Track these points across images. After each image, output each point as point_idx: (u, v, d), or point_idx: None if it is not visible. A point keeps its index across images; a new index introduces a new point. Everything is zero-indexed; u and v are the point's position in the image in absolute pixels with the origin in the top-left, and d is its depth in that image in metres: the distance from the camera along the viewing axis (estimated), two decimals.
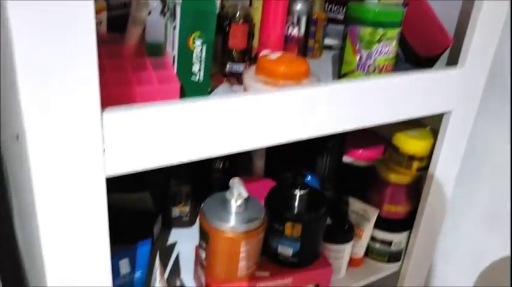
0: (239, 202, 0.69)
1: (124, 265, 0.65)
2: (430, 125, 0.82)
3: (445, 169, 0.80)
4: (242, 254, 0.69)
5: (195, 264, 0.79)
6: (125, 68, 0.57)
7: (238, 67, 0.73)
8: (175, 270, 0.84)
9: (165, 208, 0.93)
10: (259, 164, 0.96)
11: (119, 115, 0.46)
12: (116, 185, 0.93)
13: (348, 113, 0.62)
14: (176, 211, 0.94)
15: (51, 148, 0.44)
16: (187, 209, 0.94)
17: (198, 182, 0.93)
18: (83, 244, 0.50)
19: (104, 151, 0.46)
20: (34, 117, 0.42)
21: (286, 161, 0.94)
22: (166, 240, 0.92)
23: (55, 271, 0.50)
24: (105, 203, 0.49)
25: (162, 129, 0.49)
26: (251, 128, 0.55)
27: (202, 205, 0.72)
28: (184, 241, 0.91)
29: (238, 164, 0.95)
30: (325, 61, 0.86)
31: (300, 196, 0.74)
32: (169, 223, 0.94)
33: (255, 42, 0.76)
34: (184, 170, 0.92)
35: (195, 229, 0.94)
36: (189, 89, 0.59)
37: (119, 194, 0.91)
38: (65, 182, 0.46)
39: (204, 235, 0.70)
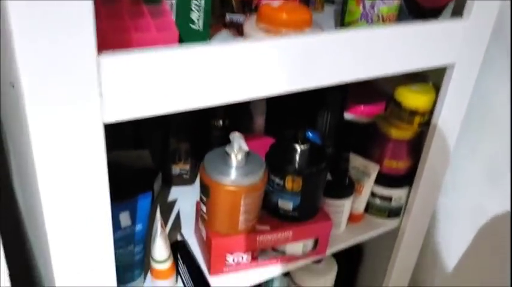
0: (240, 155, 0.68)
1: (124, 218, 0.65)
2: (433, 81, 0.81)
3: (447, 123, 0.80)
4: (243, 208, 0.69)
5: (196, 219, 0.79)
6: (121, 15, 0.55)
7: (238, 18, 0.71)
8: (176, 225, 0.84)
9: (165, 166, 0.93)
10: (260, 121, 0.96)
11: (115, 59, 0.44)
12: (115, 144, 0.93)
13: (351, 63, 0.61)
14: (176, 169, 0.93)
15: (47, 94, 0.43)
16: (187, 166, 0.93)
17: (198, 141, 0.92)
18: (83, 194, 0.50)
19: (101, 96, 0.45)
20: (29, 64, 0.41)
21: (286, 119, 0.93)
22: (167, 197, 0.92)
23: (55, 220, 0.49)
24: (104, 151, 0.48)
25: (160, 75, 0.48)
26: (251, 76, 0.54)
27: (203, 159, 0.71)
28: (185, 199, 0.91)
29: (238, 121, 0.94)
30: (328, 15, 0.84)
31: (301, 150, 0.73)
32: (169, 181, 0.94)
33: None
34: (184, 128, 0.91)
35: (195, 187, 0.94)
36: (187, 38, 0.58)
37: (118, 151, 0.91)
38: (62, 128, 0.45)
39: (204, 189, 0.70)
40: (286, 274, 1.02)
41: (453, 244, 0.99)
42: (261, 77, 0.55)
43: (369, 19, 0.65)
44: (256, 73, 0.54)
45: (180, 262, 0.74)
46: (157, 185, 0.90)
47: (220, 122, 0.93)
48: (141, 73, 0.46)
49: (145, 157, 0.90)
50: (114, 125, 0.92)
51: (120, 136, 0.95)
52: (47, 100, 0.43)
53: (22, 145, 0.51)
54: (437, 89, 0.79)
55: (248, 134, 0.92)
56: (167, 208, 0.89)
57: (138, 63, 0.46)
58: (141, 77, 0.47)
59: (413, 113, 0.79)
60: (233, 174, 0.68)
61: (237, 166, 0.68)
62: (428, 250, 1.04)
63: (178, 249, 0.76)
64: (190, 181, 0.95)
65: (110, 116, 0.46)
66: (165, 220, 0.85)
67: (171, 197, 0.92)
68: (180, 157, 0.92)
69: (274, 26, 0.59)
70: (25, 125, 0.44)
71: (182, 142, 0.92)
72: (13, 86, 0.47)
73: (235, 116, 0.94)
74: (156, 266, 0.68)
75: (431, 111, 0.80)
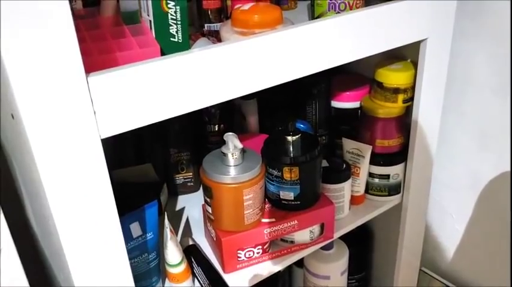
0: (236, 153, 0.72)
1: (135, 229, 0.68)
2: (411, 58, 0.84)
3: (430, 96, 0.83)
4: (246, 203, 0.72)
5: (204, 222, 0.83)
6: (104, 37, 0.59)
7: (216, 26, 0.75)
8: (187, 232, 0.88)
9: (169, 177, 0.97)
10: (253, 121, 0.99)
11: (103, 78, 0.48)
12: (118, 162, 0.97)
13: (326, 51, 0.64)
14: (180, 178, 0.97)
15: (45, 120, 0.46)
16: (190, 174, 0.97)
17: (197, 148, 0.96)
18: (91, 209, 0.53)
19: (95, 113, 0.48)
20: (25, 97, 0.44)
21: (278, 115, 0.96)
22: (175, 206, 0.95)
23: (70, 238, 0.53)
24: (105, 164, 0.51)
25: (146, 87, 0.51)
26: (232, 76, 0.57)
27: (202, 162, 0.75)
28: (193, 205, 0.95)
29: (233, 124, 0.98)
30: (301, 11, 0.88)
31: (293, 141, 0.77)
32: (175, 191, 0.98)
33: (229, 1, 0.77)
34: (182, 138, 0.95)
35: (201, 193, 0.97)
36: (169, 51, 0.61)
37: (122, 169, 0.94)
38: (64, 149, 0.48)
39: (207, 190, 0.73)
40: (301, 265, 1.05)
41: (455, 215, 1.02)
42: (241, 76, 0.58)
43: (337, 8, 0.69)
44: (236, 73, 0.57)
45: (195, 264, 0.78)
46: (163, 196, 0.93)
47: (216, 127, 0.97)
48: (129, 87, 0.50)
49: (149, 170, 0.94)
50: (115, 144, 0.96)
51: (122, 154, 0.99)
52: (46, 126, 0.46)
53: (29, 169, 0.54)
54: (416, 65, 0.82)
55: (244, 134, 0.96)
56: (176, 216, 0.92)
57: (123, 78, 0.49)
58: (129, 91, 0.50)
59: (395, 91, 0.82)
60: (232, 172, 0.71)
61: (234, 164, 0.72)
62: (432, 224, 1.07)
63: (191, 253, 0.80)
64: (195, 188, 0.98)
65: (106, 131, 0.50)
66: (175, 228, 0.88)
67: (178, 206, 0.95)
68: (182, 166, 0.96)
69: (248, 28, 0.62)
70: (30, 151, 0.48)
71: (182, 152, 0.95)
72: (13, 117, 0.51)
73: (230, 119, 0.98)
74: (171, 270, 0.71)
75: (413, 87, 0.83)
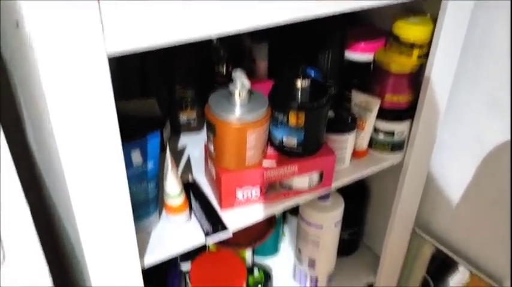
0: (243, 92, 0.71)
1: (136, 156, 0.68)
2: (430, 13, 0.82)
3: (445, 55, 0.81)
4: (249, 144, 0.72)
5: (205, 160, 0.83)
6: None
7: None
8: (187, 170, 0.88)
9: (172, 115, 0.96)
10: (263, 66, 0.97)
11: None
12: (123, 94, 0.95)
13: None
14: (183, 117, 0.96)
15: (51, 29, 0.45)
16: (194, 114, 0.96)
17: (203, 89, 0.95)
18: (93, 128, 0.52)
19: (102, 23, 0.47)
20: (31, 4, 0.43)
21: (289, 62, 0.95)
22: (177, 145, 0.95)
23: (70, 160, 0.52)
24: (110, 83, 0.50)
25: (159, 6, 0.49)
26: (250, 4, 0.55)
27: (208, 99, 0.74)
28: (194, 145, 0.95)
29: (241, 67, 0.96)
30: None
31: (302, 86, 0.75)
32: (178, 129, 0.97)
33: None
34: (189, 76, 0.94)
35: (203, 134, 0.97)
36: None
37: (125, 101, 0.93)
38: (68, 62, 0.47)
39: (210, 128, 0.73)
40: (296, 213, 1.06)
41: (454, 178, 1.02)
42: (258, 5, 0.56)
43: None
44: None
45: (193, 199, 0.78)
46: (166, 133, 0.93)
47: (224, 68, 0.95)
48: (140, 4, 0.48)
49: (153, 105, 0.93)
50: (121, 74, 0.94)
51: (127, 86, 0.98)
52: (51, 35, 0.45)
53: (32, 83, 0.54)
54: (434, 21, 0.79)
55: (252, 78, 0.94)
56: (177, 154, 0.92)
57: None
58: (140, 8, 0.48)
59: (412, 45, 0.80)
60: (237, 111, 0.70)
61: (241, 104, 0.71)
62: (429, 186, 1.07)
63: (190, 188, 0.80)
64: (198, 128, 0.98)
65: (113, 46, 0.48)
66: (176, 165, 0.88)
67: (180, 145, 0.95)
68: (187, 104, 0.95)
69: None
70: (34, 63, 0.47)
71: (188, 90, 0.94)
72: (17, 25, 0.49)
73: (239, 62, 0.96)
74: (169, 201, 0.71)
75: (429, 44, 0.81)
